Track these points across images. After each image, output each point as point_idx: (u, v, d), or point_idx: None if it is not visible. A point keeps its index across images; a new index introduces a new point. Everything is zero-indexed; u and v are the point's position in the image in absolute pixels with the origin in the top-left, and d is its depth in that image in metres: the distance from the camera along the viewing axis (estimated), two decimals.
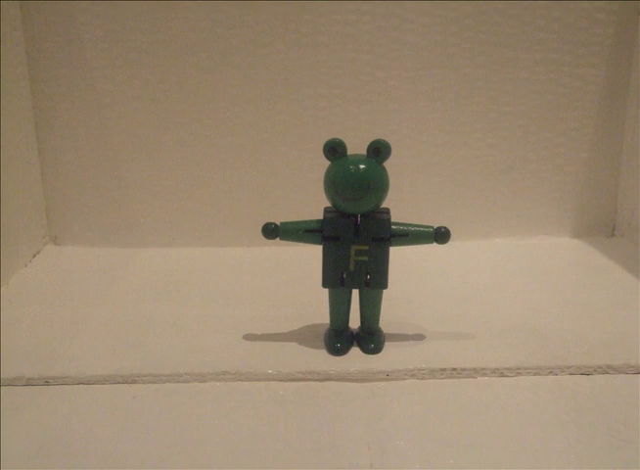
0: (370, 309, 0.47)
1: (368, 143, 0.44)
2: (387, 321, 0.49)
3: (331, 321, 0.48)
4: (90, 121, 0.65)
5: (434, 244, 0.46)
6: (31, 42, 0.63)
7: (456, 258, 0.64)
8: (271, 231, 0.46)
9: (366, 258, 0.45)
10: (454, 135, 0.66)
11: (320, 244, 0.46)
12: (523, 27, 0.63)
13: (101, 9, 0.62)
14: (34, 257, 0.65)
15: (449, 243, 0.66)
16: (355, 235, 0.44)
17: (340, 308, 0.47)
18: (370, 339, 0.47)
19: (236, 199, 0.67)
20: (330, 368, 0.45)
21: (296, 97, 0.64)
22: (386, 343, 0.48)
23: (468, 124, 0.66)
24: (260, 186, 0.67)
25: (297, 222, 0.46)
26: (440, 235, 0.45)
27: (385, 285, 0.46)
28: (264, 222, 0.46)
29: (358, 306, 0.48)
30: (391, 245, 0.45)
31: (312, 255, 0.60)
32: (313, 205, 0.65)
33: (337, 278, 0.46)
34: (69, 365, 0.46)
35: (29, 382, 0.45)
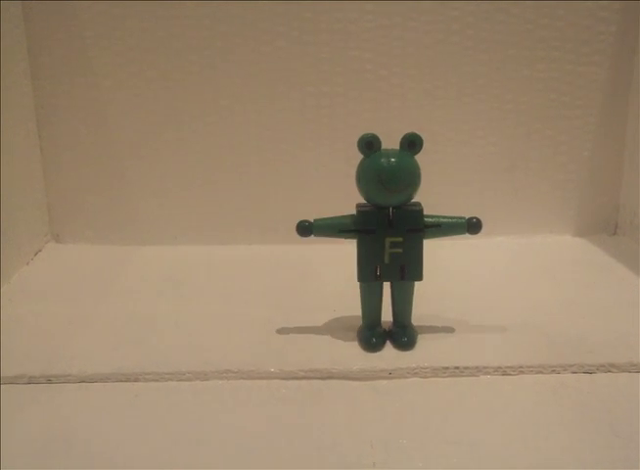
0: (403, 303, 0.48)
1: (402, 136, 0.45)
2: (389, 320, 0.49)
3: (364, 317, 0.48)
4: (92, 119, 0.65)
5: (467, 235, 0.47)
6: (33, 40, 0.63)
7: (458, 257, 0.64)
8: (305, 228, 0.46)
9: (401, 250, 0.45)
10: (456, 133, 0.66)
11: (355, 238, 0.46)
12: (525, 26, 0.63)
13: (102, 6, 0.62)
14: (36, 254, 0.65)
15: (451, 241, 0.67)
16: (389, 227, 0.45)
17: (373, 303, 0.47)
18: (402, 332, 0.48)
19: (237, 197, 0.67)
20: (332, 367, 0.45)
21: (297, 95, 0.64)
22: (387, 341, 0.48)
23: (470, 122, 0.66)
24: (262, 184, 0.67)
25: (331, 218, 0.46)
26: (472, 225, 0.46)
27: (420, 276, 0.46)
28: (298, 220, 0.46)
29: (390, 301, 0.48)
30: (425, 237, 0.46)
31: (315, 252, 0.60)
32: (315, 202, 0.66)
33: (372, 272, 0.46)
34: (71, 363, 0.46)
35: (31, 380, 0.45)
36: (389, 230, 0.45)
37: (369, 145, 0.44)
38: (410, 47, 0.63)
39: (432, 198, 0.67)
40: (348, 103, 0.64)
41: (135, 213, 0.68)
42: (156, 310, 0.54)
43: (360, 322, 0.49)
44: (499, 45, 0.63)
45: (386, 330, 0.49)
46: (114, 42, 0.63)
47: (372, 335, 0.48)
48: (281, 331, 0.50)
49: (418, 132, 0.45)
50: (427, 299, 0.55)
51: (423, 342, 0.48)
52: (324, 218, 0.46)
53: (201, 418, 0.41)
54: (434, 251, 0.58)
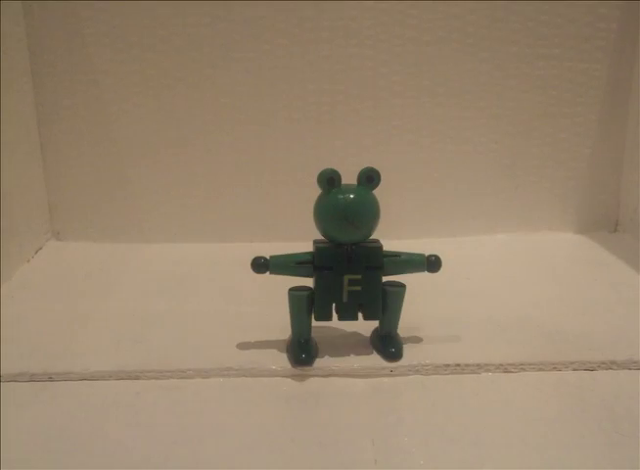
0: (391, 313, 0.46)
1: (359, 172, 0.43)
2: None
3: (294, 331, 0.47)
4: (92, 117, 0.65)
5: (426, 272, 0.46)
6: (33, 38, 0.63)
7: (459, 254, 0.64)
8: (261, 265, 0.45)
9: (359, 288, 0.44)
10: (457, 130, 0.66)
11: (311, 276, 0.45)
12: (526, 23, 0.63)
13: (103, 4, 0.62)
14: (37, 252, 0.65)
15: (452, 238, 0.67)
16: (348, 264, 0.44)
17: (303, 318, 0.46)
18: (390, 343, 0.47)
19: (238, 195, 0.67)
20: (334, 364, 0.45)
21: (298, 93, 0.64)
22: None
23: (471, 120, 0.66)
24: (262, 182, 0.67)
25: (288, 255, 0.45)
26: (431, 264, 0.45)
27: (378, 315, 0.45)
28: (254, 256, 0.45)
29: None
30: (384, 274, 0.45)
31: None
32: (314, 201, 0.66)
33: (329, 310, 0.45)
34: (73, 361, 0.46)
35: (33, 378, 0.45)
36: (348, 268, 0.44)
37: (330, 181, 0.43)
38: (411, 45, 0.63)
39: (432, 195, 0.67)
40: (349, 100, 0.64)
41: (136, 211, 0.68)
42: (157, 308, 0.54)
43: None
44: (500, 43, 0.63)
45: (315, 342, 0.47)
46: (115, 40, 0.63)
47: (301, 351, 0.46)
48: (282, 328, 0.50)
49: (375, 167, 0.43)
50: (427, 295, 0.55)
51: (423, 339, 0.48)
52: (281, 255, 0.45)
53: (202, 416, 0.41)
54: (434, 249, 0.58)
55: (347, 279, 0.44)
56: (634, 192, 0.66)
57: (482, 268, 0.61)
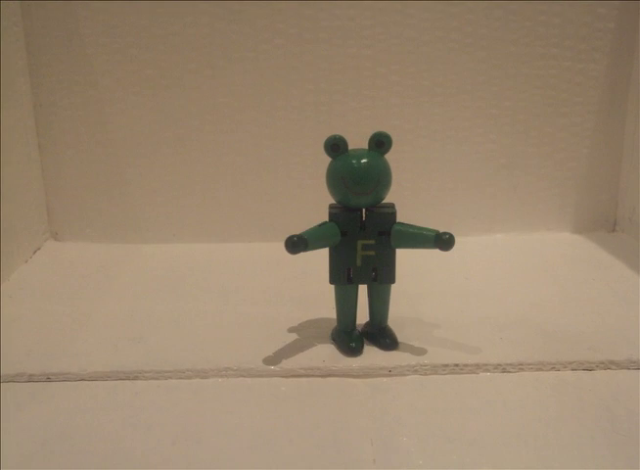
0: (380, 305, 0.47)
1: (369, 136, 0.44)
2: (389, 317, 0.49)
3: (340, 321, 0.47)
4: (90, 117, 0.65)
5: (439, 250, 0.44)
6: (31, 38, 0.63)
7: (457, 254, 0.63)
8: (296, 244, 0.42)
9: (373, 253, 0.45)
10: (455, 130, 0.66)
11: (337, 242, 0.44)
12: (524, 22, 0.63)
13: (101, 4, 0.62)
14: (35, 252, 0.65)
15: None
16: (361, 229, 0.44)
17: (348, 307, 0.47)
18: (384, 334, 0.47)
19: (236, 194, 0.67)
20: (332, 364, 0.45)
21: (296, 92, 0.64)
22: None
23: (469, 120, 0.66)
24: (261, 182, 0.67)
25: (315, 229, 0.44)
26: (441, 241, 0.42)
27: (392, 279, 0.46)
28: (288, 235, 0.42)
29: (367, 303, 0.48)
30: (392, 245, 0.44)
31: (313, 251, 0.60)
32: (314, 200, 0.66)
33: (344, 274, 0.45)
34: (71, 362, 0.46)
35: (31, 378, 0.45)
36: (361, 232, 0.44)
37: (335, 148, 0.44)
38: (409, 44, 0.63)
39: (430, 195, 0.67)
40: (347, 100, 0.64)
41: (134, 211, 0.67)
42: (155, 308, 0.54)
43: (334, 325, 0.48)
44: (498, 42, 0.63)
45: (360, 332, 0.48)
46: (113, 40, 0.63)
47: (350, 339, 0.47)
48: (280, 328, 0.50)
49: (386, 131, 0.44)
50: (425, 295, 0.55)
51: (422, 339, 0.48)
52: (309, 231, 0.44)
53: (201, 416, 0.41)
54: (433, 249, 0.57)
55: (361, 244, 0.44)
56: (633, 192, 0.66)
57: (481, 268, 0.61)
